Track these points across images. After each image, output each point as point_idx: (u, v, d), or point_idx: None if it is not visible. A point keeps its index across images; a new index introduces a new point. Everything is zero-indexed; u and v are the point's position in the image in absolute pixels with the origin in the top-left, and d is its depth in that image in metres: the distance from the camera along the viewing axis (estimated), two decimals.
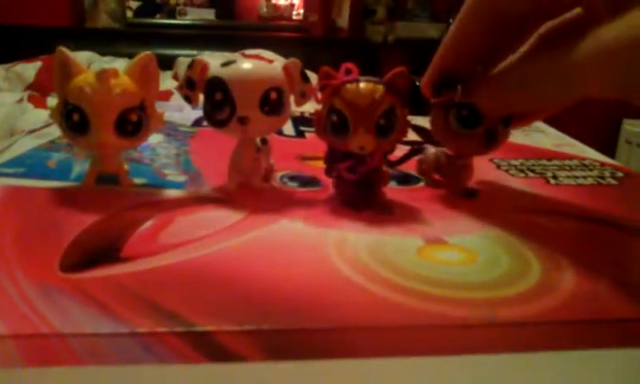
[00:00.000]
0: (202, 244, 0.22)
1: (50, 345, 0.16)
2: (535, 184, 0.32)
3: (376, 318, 0.18)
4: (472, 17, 0.26)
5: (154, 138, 0.37)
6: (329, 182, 0.29)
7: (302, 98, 0.27)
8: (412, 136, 0.41)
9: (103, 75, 0.25)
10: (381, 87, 0.25)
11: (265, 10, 2.26)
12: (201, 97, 0.27)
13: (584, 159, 0.38)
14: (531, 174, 0.34)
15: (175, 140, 0.38)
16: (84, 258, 0.21)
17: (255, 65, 0.26)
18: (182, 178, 0.30)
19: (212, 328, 0.17)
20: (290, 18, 2.22)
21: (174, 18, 2.28)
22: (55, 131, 0.36)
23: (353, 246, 0.23)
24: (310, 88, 0.27)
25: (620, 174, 0.35)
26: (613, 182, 0.33)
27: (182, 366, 0.16)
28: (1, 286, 0.18)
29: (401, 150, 0.37)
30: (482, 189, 0.31)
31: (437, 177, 0.31)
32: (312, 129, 0.27)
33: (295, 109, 0.28)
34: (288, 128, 0.42)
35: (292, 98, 0.27)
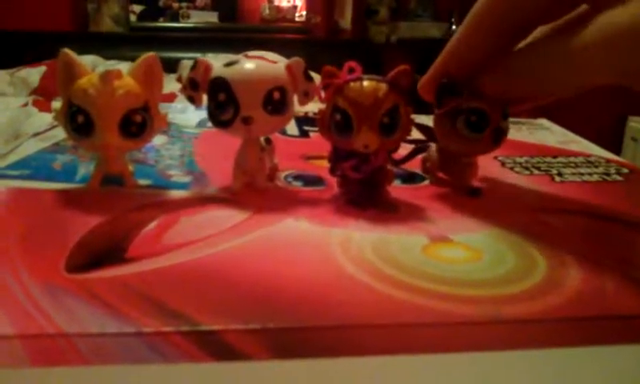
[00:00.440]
0: (206, 244, 0.22)
1: (55, 345, 0.16)
2: (540, 181, 0.32)
3: (381, 316, 0.18)
4: (478, 24, 0.26)
5: (158, 140, 0.37)
6: (333, 181, 0.29)
7: (305, 97, 0.27)
8: (415, 134, 0.41)
9: (107, 76, 0.25)
10: (384, 85, 0.25)
11: (267, 12, 2.26)
12: (204, 97, 0.27)
13: (589, 156, 0.38)
14: (536, 172, 0.34)
15: (179, 141, 0.38)
16: (89, 258, 0.21)
17: (258, 65, 0.26)
18: (186, 179, 0.30)
19: (218, 327, 0.17)
20: (292, 20, 2.23)
21: (177, 21, 2.29)
22: (60, 133, 0.36)
23: (358, 244, 0.22)
24: (314, 87, 0.27)
25: (625, 171, 0.34)
26: (618, 178, 0.33)
27: (188, 365, 0.16)
28: (7, 286, 0.18)
29: (405, 149, 0.37)
30: (486, 187, 0.31)
31: (441, 175, 0.31)
32: (315, 128, 0.27)
33: (299, 109, 0.28)
34: (292, 128, 0.42)
35: (295, 98, 0.27)
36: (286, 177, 0.31)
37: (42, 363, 0.16)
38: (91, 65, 1.32)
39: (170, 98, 0.92)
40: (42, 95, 1.25)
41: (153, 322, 0.17)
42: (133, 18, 2.14)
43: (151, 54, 0.27)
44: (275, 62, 0.27)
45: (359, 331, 0.17)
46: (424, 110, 0.38)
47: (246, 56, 0.27)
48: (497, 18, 0.25)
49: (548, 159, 0.36)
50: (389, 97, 0.25)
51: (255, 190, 0.28)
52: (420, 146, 0.33)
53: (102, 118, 0.25)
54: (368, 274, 0.20)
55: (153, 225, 0.24)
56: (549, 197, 0.30)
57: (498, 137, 0.27)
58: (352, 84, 0.25)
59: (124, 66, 0.27)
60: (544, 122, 0.49)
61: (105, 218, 0.24)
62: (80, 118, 0.25)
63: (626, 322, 0.19)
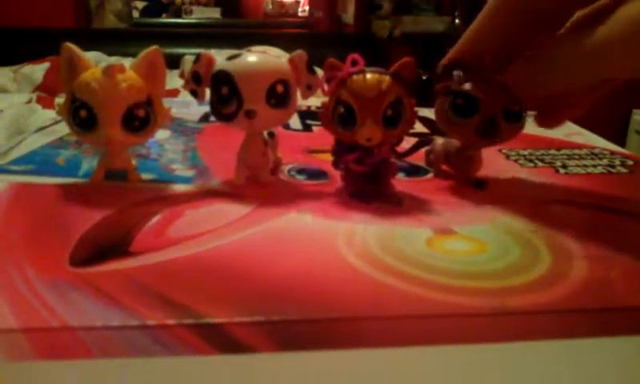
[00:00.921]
0: (210, 237, 0.22)
1: (60, 338, 0.16)
2: (544, 173, 0.32)
3: (386, 308, 0.18)
4: (498, 10, 0.26)
5: (162, 134, 0.37)
6: (336, 174, 0.29)
7: (309, 90, 0.27)
8: (419, 127, 0.41)
9: (110, 70, 0.25)
10: (387, 78, 0.25)
11: (270, 7, 2.26)
12: (207, 92, 0.27)
13: (594, 148, 0.38)
14: (540, 164, 0.34)
15: (183, 135, 0.38)
16: (93, 252, 0.21)
17: (261, 58, 0.26)
18: (189, 173, 0.30)
19: (222, 320, 0.17)
20: (295, 15, 2.22)
21: (180, 17, 2.29)
22: (63, 128, 0.36)
23: (362, 237, 0.22)
24: (317, 80, 0.27)
25: (630, 163, 0.34)
26: (623, 170, 0.33)
27: (193, 358, 0.16)
28: (11, 280, 0.18)
29: (408, 142, 0.37)
30: (490, 179, 0.30)
31: (445, 167, 0.31)
32: (318, 122, 0.27)
33: (302, 102, 0.28)
34: (295, 121, 0.42)
35: (298, 91, 0.27)
36: (289, 170, 0.31)
37: (47, 356, 0.16)
38: (94, 61, 1.32)
39: (173, 93, 0.92)
40: (45, 92, 1.25)
41: (157, 315, 0.17)
42: (136, 13, 2.14)
43: (154, 47, 0.27)
44: (278, 57, 0.27)
45: (364, 323, 0.17)
46: (426, 103, 0.38)
47: (249, 51, 0.27)
48: (515, 6, 0.25)
49: (552, 151, 0.36)
50: (392, 89, 0.25)
51: (258, 184, 0.28)
52: (423, 140, 0.32)
53: (105, 112, 0.25)
54: (372, 266, 0.20)
55: (157, 218, 0.24)
56: (553, 189, 0.30)
57: (487, 130, 0.27)
58: (355, 77, 0.25)
59: (127, 63, 0.26)
60: None
61: (108, 212, 0.24)
62: (83, 113, 0.25)
63: (632, 312, 0.18)
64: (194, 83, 0.27)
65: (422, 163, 0.33)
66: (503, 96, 0.27)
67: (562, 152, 0.36)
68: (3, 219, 0.23)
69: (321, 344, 0.17)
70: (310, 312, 0.17)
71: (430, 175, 0.31)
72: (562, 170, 0.33)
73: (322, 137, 0.27)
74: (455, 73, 0.27)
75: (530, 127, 0.43)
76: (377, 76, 0.25)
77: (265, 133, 0.28)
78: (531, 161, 0.34)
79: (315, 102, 0.28)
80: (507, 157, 0.35)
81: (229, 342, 0.17)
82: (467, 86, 0.27)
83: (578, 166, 0.33)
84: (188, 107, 0.46)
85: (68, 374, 0.16)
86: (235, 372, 0.17)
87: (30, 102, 0.89)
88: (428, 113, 0.43)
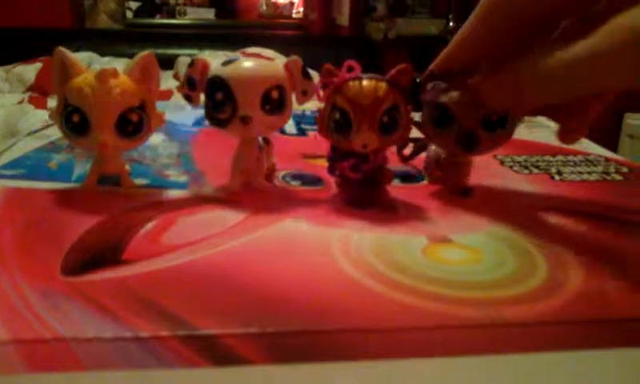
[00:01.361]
0: (204, 245, 0.22)
1: (51, 350, 0.16)
2: (539, 180, 0.32)
3: (381, 320, 0.18)
4: (486, 17, 0.25)
5: (156, 138, 0.37)
6: (332, 180, 0.28)
7: (304, 96, 0.27)
8: (416, 133, 0.40)
9: (103, 75, 0.25)
10: (384, 84, 0.25)
11: (265, 8, 2.26)
12: (202, 96, 0.27)
13: (588, 154, 0.38)
14: (535, 170, 0.34)
15: (177, 140, 0.37)
16: (85, 260, 0.20)
17: (256, 63, 0.26)
18: (183, 178, 0.29)
19: (216, 331, 0.17)
20: (290, 17, 2.22)
21: (173, 17, 2.28)
22: (56, 132, 0.36)
23: (357, 245, 0.22)
24: (312, 86, 0.27)
25: (625, 170, 0.34)
26: (618, 177, 0.33)
27: (186, 370, 0.16)
28: (2, 289, 0.18)
29: (407, 148, 0.36)
30: (485, 186, 0.30)
31: (438, 174, 0.31)
32: (314, 127, 0.27)
33: (297, 106, 0.28)
34: (290, 126, 0.42)
35: (294, 97, 0.27)
36: (284, 176, 0.31)
37: (39, 369, 0.16)
38: (87, 62, 1.32)
39: (167, 95, 0.91)
40: (37, 92, 1.25)
41: (150, 326, 0.16)
42: (129, 14, 2.13)
43: (148, 52, 0.27)
44: (272, 59, 0.27)
45: (359, 335, 0.17)
46: (420, 108, 0.38)
47: (244, 53, 0.26)
48: (504, 13, 0.24)
49: (547, 158, 0.36)
50: (388, 96, 0.25)
51: (253, 190, 0.28)
52: (421, 144, 0.32)
53: (97, 117, 0.25)
54: (368, 276, 0.20)
55: (150, 225, 0.23)
56: (548, 196, 0.30)
57: (466, 141, 0.26)
58: (351, 83, 0.25)
59: (120, 63, 0.26)
60: (543, 119, 0.48)
61: (101, 218, 0.24)
62: (76, 118, 0.25)
63: (627, 324, 0.18)
64: (189, 88, 0.26)
65: (416, 169, 0.33)
66: (481, 106, 0.26)
67: (557, 158, 0.36)
68: None
69: (316, 356, 0.17)
70: (305, 323, 0.17)
71: (426, 182, 0.31)
72: (557, 177, 0.33)
73: (317, 142, 0.27)
74: (430, 84, 0.27)
75: (524, 133, 0.43)
76: (373, 82, 0.25)
77: (259, 138, 0.28)
78: (526, 167, 0.34)
79: (310, 106, 0.28)
80: (502, 163, 0.35)
81: (223, 354, 0.16)
82: (444, 97, 0.27)
83: (573, 172, 0.33)
84: (182, 110, 0.46)
85: None
86: None
87: (22, 102, 0.88)
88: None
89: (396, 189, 0.29)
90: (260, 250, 0.22)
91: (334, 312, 0.18)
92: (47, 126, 0.39)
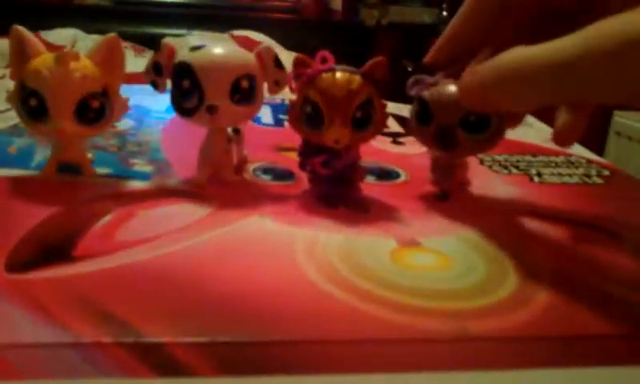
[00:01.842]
0: (161, 243, 0.21)
1: None
2: (518, 181, 0.31)
3: (340, 331, 0.17)
4: (482, 3, 0.24)
5: (124, 124, 0.35)
6: (304, 175, 0.27)
7: (276, 86, 0.26)
8: (394, 126, 0.39)
9: (63, 58, 0.24)
10: (358, 77, 0.24)
11: None
12: (168, 83, 0.25)
13: (570, 156, 0.37)
14: (515, 171, 0.33)
15: (147, 126, 0.36)
16: (33, 255, 0.19)
17: (226, 50, 0.25)
18: (148, 168, 0.28)
19: (162, 339, 0.16)
20: None
21: None
22: None
23: (323, 247, 0.21)
24: (285, 76, 0.26)
25: (606, 173, 0.34)
26: (598, 181, 0.32)
27: (127, 380, 0.15)
28: None
29: (379, 141, 0.36)
30: (462, 186, 0.29)
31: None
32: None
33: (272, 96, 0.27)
34: (266, 116, 0.41)
35: (266, 87, 0.26)
36: (254, 170, 0.29)
37: None
38: (72, 38, 1.29)
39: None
40: None
41: (93, 332, 0.15)
42: None
43: (112, 35, 0.25)
44: (259, 43, 0.26)
45: (317, 347, 0.16)
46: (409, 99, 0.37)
47: (232, 35, 0.25)
48: (493, 3, 0.24)
49: (528, 158, 0.35)
50: (363, 89, 0.24)
51: (220, 183, 0.27)
52: None
53: (56, 102, 0.24)
54: (331, 282, 0.19)
55: (106, 219, 0.22)
56: (525, 199, 0.29)
57: (441, 140, 0.25)
58: (324, 75, 0.24)
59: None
60: (527, 117, 0.47)
61: (56, 209, 0.23)
62: (33, 102, 0.24)
63: (595, 341, 0.18)
64: (155, 74, 0.25)
65: (393, 166, 0.32)
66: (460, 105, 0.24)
67: (538, 159, 0.35)
68: None
69: (267, 368, 0.16)
70: (258, 333, 0.16)
71: (402, 179, 0.30)
72: (536, 179, 0.32)
73: (292, 133, 0.26)
74: (412, 78, 0.26)
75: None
76: (347, 75, 0.24)
77: (229, 129, 0.27)
78: (506, 167, 0.33)
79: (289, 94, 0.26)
80: (481, 162, 0.34)
81: (167, 363, 0.15)
82: (426, 92, 0.25)
83: (553, 174, 0.33)
84: (155, 95, 0.45)
85: None
86: None
87: (3, 77, 0.86)
88: (407, 111, 0.42)
89: (370, 186, 0.28)
90: (220, 250, 0.21)
91: (291, 321, 0.17)
92: (9, 109, 0.37)
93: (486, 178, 0.31)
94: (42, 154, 0.29)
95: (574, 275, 0.21)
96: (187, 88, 0.24)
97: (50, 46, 0.26)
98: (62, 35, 1.17)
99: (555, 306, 0.19)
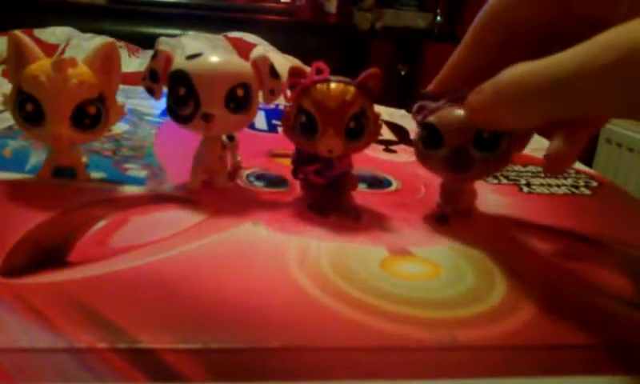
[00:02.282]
0: (155, 249, 0.21)
1: None
2: (508, 191, 0.32)
3: (331, 338, 0.17)
4: (484, 31, 0.24)
5: (119, 128, 0.36)
6: (297, 182, 0.28)
7: (271, 95, 0.26)
8: (388, 135, 0.40)
9: (60, 64, 0.24)
10: (352, 88, 0.24)
11: None
12: (164, 89, 0.26)
13: None
14: (504, 181, 0.33)
15: (141, 130, 0.36)
16: (28, 261, 0.20)
17: (222, 59, 0.25)
18: (142, 174, 0.28)
19: (156, 345, 0.16)
20: (277, 1, 2.19)
21: None
22: None
23: (314, 254, 0.22)
24: (280, 85, 0.26)
25: (594, 184, 0.34)
26: (587, 192, 0.33)
27: None
28: None
29: (374, 150, 0.36)
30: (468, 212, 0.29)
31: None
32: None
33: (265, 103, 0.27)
34: (260, 122, 0.41)
35: (261, 95, 0.26)
36: (248, 176, 0.30)
37: None
38: (67, 37, 1.28)
39: (137, 77, 0.89)
40: None
41: (87, 337, 0.16)
42: None
43: (110, 41, 0.26)
44: (255, 45, 0.26)
45: (307, 354, 0.17)
46: (405, 104, 0.37)
47: (226, 37, 0.26)
48: (502, 23, 0.23)
49: (517, 167, 0.36)
50: (356, 100, 0.24)
51: (214, 190, 0.27)
52: None
53: (53, 107, 0.24)
54: (322, 289, 0.19)
55: (101, 224, 0.23)
56: (515, 209, 0.29)
57: (454, 162, 0.24)
58: (319, 85, 0.24)
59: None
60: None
61: (50, 214, 0.23)
62: (30, 106, 0.24)
63: (580, 351, 0.18)
64: (151, 81, 0.26)
65: (385, 174, 0.32)
66: (471, 126, 0.24)
67: (528, 169, 0.36)
68: None
69: (260, 375, 0.16)
70: (251, 340, 0.16)
71: (394, 187, 0.31)
72: (525, 189, 0.32)
73: (286, 139, 0.26)
74: (416, 104, 0.25)
75: None
76: (341, 86, 0.24)
77: (224, 136, 0.27)
78: (495, 177, 0.34)
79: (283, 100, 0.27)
80: None
81: (161, 370, 0.16)
82: (432, 117, 0.25)
83: (542, 185, 0.33)
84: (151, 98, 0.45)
85: None
86: None
87: None
88: (400, 118, 0.42)
89: (362, 195, 0.28)
90: (213, 257, 0.21)
91: (282, 328, 0.17)
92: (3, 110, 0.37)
93: (476, 188, 0.32)
94: (36, 157, 0.29)
95: (560, 286, 0.21)
96: (183, 95, 0.24)
97: (44, 45, 0.26)
98: (56, 33, 1.17)
99: (542, 316, 0.19)
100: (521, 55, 0.22)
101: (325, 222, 0.25)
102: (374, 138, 0.26)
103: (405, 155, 0.36)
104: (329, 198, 0.26)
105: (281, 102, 0.27)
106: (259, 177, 0.30)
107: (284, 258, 0.21)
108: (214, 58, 0.25)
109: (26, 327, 0.16)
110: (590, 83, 0.17)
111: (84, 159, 0.27)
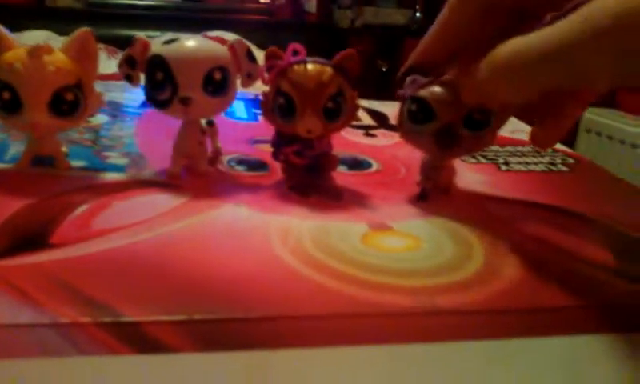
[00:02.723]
0: (137, 230, 0.21)
1: None
2: (486, 170, 0.32)
3: (314, 307, 0.17)
4: (462, 7, 0.24)
5: (99, 119, 0.35)
6: (277, 166, 0.28)
7: (249, 78, 0.26)
8: (367, 120, 0.40)
9: (35, 51, 0.24)
10: (329, 69, 0.25)
11: None
12: (142, 77, 0.26)
13: None
14: (483, 160, 0.34)
15: (121, 121, 0.36)
16: (10, 244, 0.19)
17: (199, 43, 0.25)
18: (123, 161, 0.28)
19: (140, 318, 0.16)
20: (257, 1, 2.19)
21: None
22: None
23: (296, 232, 0.22)
24: (257, 69, 0.26)
25: (571, 161, 0.35)
26: (564, 168, 0.33)
27: (107, 357, 0.16)
28: None
29: (350, 133, 0.36)
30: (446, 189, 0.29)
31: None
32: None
33: (246, 90, 0.27)
34: (240, 110, 0.41)
35: (239, 79, 0.26)
36: (228, 161, 0.30)
37: None
38: (44, 41, 1.27)
39: (117, 76, 0.89)
40: None
41: (71, 313, 0.16)
42: None
43: (85, 29, 0.26)
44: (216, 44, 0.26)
45: (292, 322, 0.17)
46: (384, 96, 0.37)
47: (205, 36, 0.26)
48: (472, 7, 0.23)
49: (495, 148, 0.36)
50: (333, 81, 0.24)
51: (195, 175, 0.27)
52: None
53: (30, 95, 0.24)
54: (305, 263, 0.20)
55: (82, 209, 0.23)
56: (494, 186, 0.30)
57: (443, 139, 0.24)
58: (296, 67, 0.25)
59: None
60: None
61: (31, 201, 0.23)
62: (6, 94, 0.24)
63: (559, 313, 0.18)
64: (128, 67, 0.26)
65: (365, 156, 0.32)
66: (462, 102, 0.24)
67: (506, 149, 0.36)
68: None
69: (244, 344, 0.16)
70: (234, 311, 0.17)
71: (374, 169, 0.31)
72: (503, 167, 0.33)
73: (266, 127, 0.26)
74: (409, 77, 0.25)
75: None
76: (318, 67, 0.25)
77: (203, 121, 0.28)
78: (473, 156, 0.34)
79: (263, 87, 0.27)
80: None
81: (147, 341, 0.16)
82: (423, 91, 0.25)
83: (519, 163, 0.34)
84: (129, 91, 0.45)
85: None
86: (152, 373, 0.16)
87: None
88: (380, 106, 0.43)
89: (342, 175, 0.29)
90: (195, 236, 0.21)
91: (265, 300, 0.17)
92: None
93: (455, 167, 0.32)
94: (15, 148, 0.29)
95: (540, 254, 0.22)
96: (160, 80, 0.24)
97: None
98: (33, 37, 1.16)
99: (521, 281, 0.19)
100: (497, 28, 0.22)
101: (306, 202, 0.25)
102: (353, 118, 0.26)
103: (384, 139, 0.37)
104: (310, 179, 0.27)
105: (259, 90, 0.27)
106: (240, 162, 0.30)
107: (266, 237, 0.21)
108: (191, 43, 0.25)
109: (8, 304, 0.16)
110: (582, 54, 0.17)
111: (64, 148, 0.27)
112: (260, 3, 2.20)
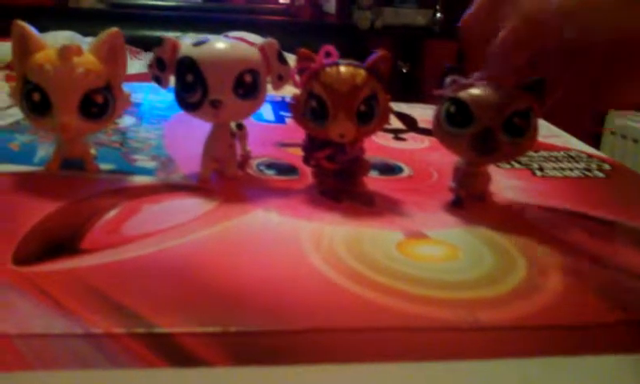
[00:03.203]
0: (168, 236, 0.21)
1: None
2: (521, 175, 0.31)
3: (350, 320, 0.17)
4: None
5: (127, 121, 0.35)
6: (307, 170, 0.27)
7: (280, 81, 0.26)
8: (396, 123, 0.40)
9: (66, 53, 0.23)
10: (362, 72, 0.24)
11: None
12: (172, 79, 0.25)
13: (570, 150, 0.37)
14: (517, 165, 0.33)
15: (149, 123, 0.36)
16: (41, 249, 0.19)
17: (229, 45, 0.24)
18: (151, 164, 0.28)
19: (174, 330, 0.16)
20: (277, 2, 2.19)
21: None
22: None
23: (329, 239, 0.21)
24: (288, 71, 0.26)
25: (607, 167, 0.34)
26: (600, 174, 0.32)
27: (140, 370, 0.15)
28: None
29: (382, 138, 0.36)
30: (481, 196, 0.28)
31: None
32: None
33: (274, 92, 0.26)
34: (268, 113, 0.41)
35: (269, 81, 0.26)
36: (258, 165, 0.29)
37: None
38: (69, 41, 1.29)
39: (140, 77, 0.89)
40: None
41: (104, 323, 0.15)
42: None
43: (114, 29, 0.25)
44: (253, 44, 0.26)
45: (326, 336, 0.16)
46: (407, 98, 0.37)
47: (227, 36, 0.25)
48: None
49: (530, 153, 0.35)
50: (367, 83, 0.24)
51: (225, 179, 0.27)
52: None
53: (59, 97, 0.24)
54: (339, 272, 0.19)
55: (112, 213, 0.22)
56: (529, 192, 0.29)
57: (480, 144, 0.23)
58: (328, 69, 0.24)
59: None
60: None
61: (61, 204, 0.22)
62: (36, 96, 0.24)
63: (600, 330, 0.18)
64: (158, 69, 0.25)
65: (396, 161, 0.32)
66: (507, 106, 0.23)
67: (540, 154, 0.35)
68: None
69: (279, 358, 0.16)
70: (269, 323, 0.16)
71: (406, 174, 0.30)
72: (538, 173, 0.32)
73: (294, 130, 0.26)
74: (449, 77, 0.24)
75: None
76: (351, 69, 0.24)
77: (233, 124, 0.27)
78: (508, 162, 0.33)
79: (290, 92, 0.26)
80: None
81: (180, 354, 0.15)
82: (463, 93, 0.24)
83: (555, 168, 0.33)
84: (158, 93, 0.44)
85: None
86: None
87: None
88: (407, 108, 0.42)
89: (374, 181, 0.28)
90: (227, 243, 0.21)
91: (300, 311, 0.17)
92: (10, 106, 0.37)
93: (490, 173, 0.31)
94: (44, 150, 0.29)
95: (582, 265, 0.21)
96: (191, 82, 0.24)
97: None
98: (57, 38, 1.17)
99: (563, 296, 0.19)
100: None
101: (338, 208, 0.24)
102: (385, 121, 0.25)
103: (415, 143, 0.36)
104: (341, 184, 0.26)
105: (288, 93, 0.27)
106: (270, 166, 0.30)
107: (298, 243, 0.21)
108: (221, 45, 0.24)
109: (41, 313, 0.16)
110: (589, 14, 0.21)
111: (92, 151, 0.27)
112: (280, 4, 2.20)
